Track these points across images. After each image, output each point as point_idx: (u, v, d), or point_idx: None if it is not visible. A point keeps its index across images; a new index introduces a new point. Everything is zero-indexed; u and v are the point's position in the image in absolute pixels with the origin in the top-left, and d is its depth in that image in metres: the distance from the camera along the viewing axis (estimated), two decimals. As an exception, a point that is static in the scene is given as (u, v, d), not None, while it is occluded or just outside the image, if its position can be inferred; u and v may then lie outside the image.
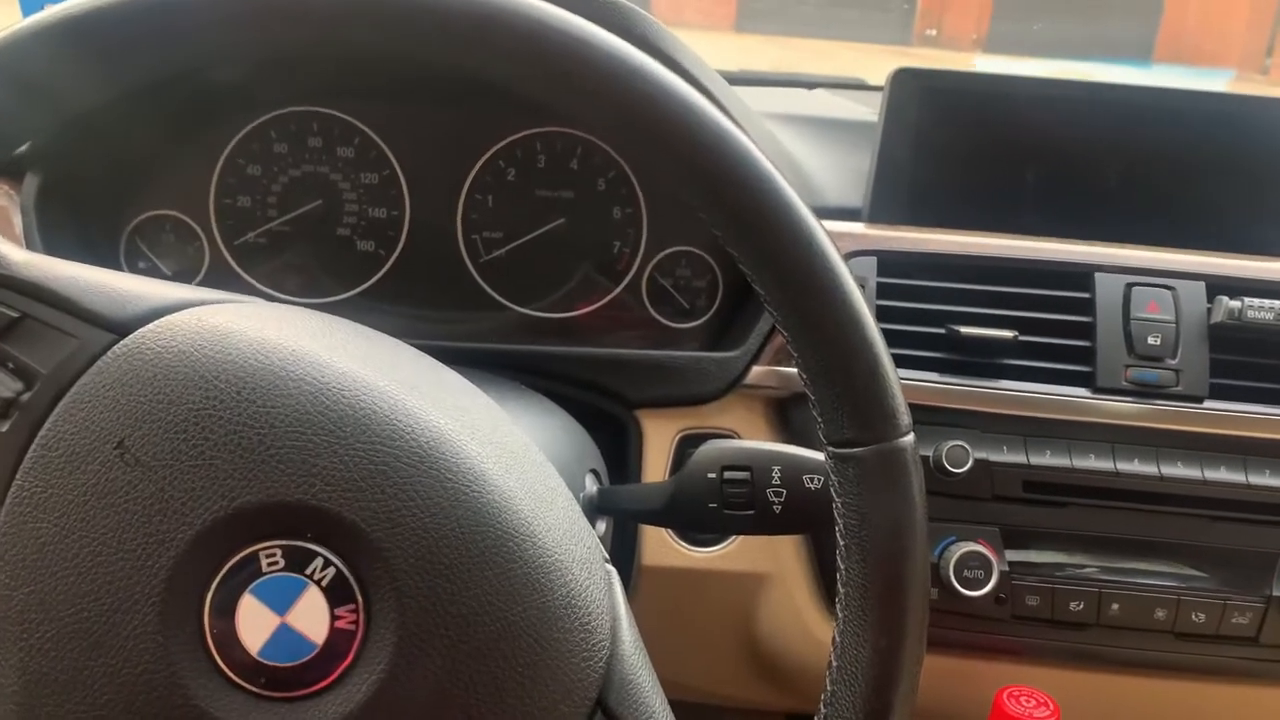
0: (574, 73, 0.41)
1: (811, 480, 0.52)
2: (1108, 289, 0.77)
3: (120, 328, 0.37)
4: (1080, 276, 0.78)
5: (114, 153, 0.77)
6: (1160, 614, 0.74)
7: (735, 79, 1.19)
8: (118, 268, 0.78)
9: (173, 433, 0.35)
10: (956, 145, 0.84)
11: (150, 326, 0.37)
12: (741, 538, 0.77)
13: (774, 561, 0.78)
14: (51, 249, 0.71)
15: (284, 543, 0.34)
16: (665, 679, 0.41)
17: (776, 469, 0.53)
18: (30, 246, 0.70)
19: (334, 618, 0.34)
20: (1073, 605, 0.75)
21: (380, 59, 0.42)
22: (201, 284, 0.81)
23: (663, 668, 0.42)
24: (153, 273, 0.81)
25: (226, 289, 0.78)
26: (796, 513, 0.53)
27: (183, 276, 0.81)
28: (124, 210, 0.80)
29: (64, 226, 0.73)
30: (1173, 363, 0.75)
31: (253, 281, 0.82)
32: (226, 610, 0.34)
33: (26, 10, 1.04)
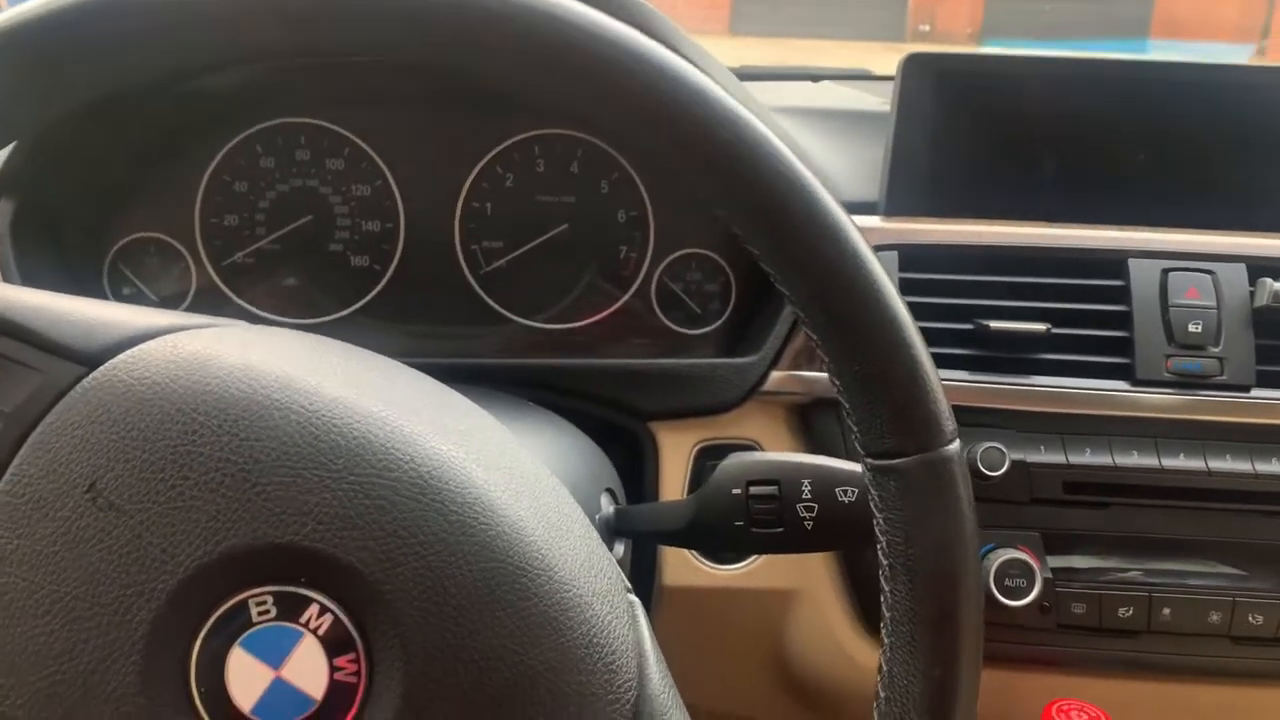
0: (577, 65, 0.38)
1: (845, 494, 0.50)
2: (1143, 275, 0.75)
3: (89, 360, 0.35)
4: (1113, 263, 0.76)
5: (92, 174, 0.76)
6: (1215, 617, 0.72)
7: (740, 74, 1.17)
8: (101, 295, 0.77)
9: (149, 472, 0.33)
10: (974, 130, 0.81)
11: (122, 357, 0.35)
12: None
13: (802, 577, 0.76)
14: (30, 277, 0.70)
15: (275, 589, 0.32)
16: (693, 704, 0.40)
17: (807, 482, 0.50)
18: (6, 275, 0.69)
19: (333, 669, 0.32)
20: (1121, 612, 0.73)
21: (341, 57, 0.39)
22: (189, 309, 0.79)
23: (690, 692, 0.41)
24: (138, 298, 0.80)
25: (216, 312, 0.76)
26: (830, 529, 0.50)
27: (170, 301, 0.80)
28: (105, 234, 0.79)
29: (42, 253, 0.72)
30: (1216, 350, 0.73)
31: (243, 303, 0.81)
32: (215, 666, 0.32)
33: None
